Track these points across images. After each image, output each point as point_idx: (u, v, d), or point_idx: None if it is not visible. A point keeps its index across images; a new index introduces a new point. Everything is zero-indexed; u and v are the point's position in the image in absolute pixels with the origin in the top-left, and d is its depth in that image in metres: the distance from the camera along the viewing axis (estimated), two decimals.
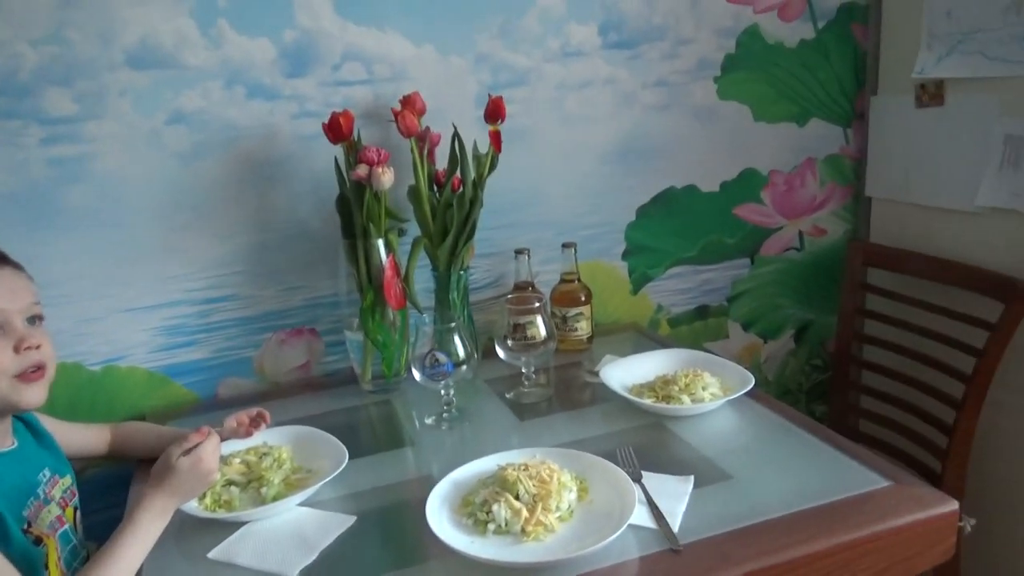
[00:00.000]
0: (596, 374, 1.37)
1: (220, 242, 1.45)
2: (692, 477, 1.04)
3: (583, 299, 1.54)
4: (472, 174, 1.41)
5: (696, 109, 1.72)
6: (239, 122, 1.42)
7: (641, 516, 0.96)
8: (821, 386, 1.97)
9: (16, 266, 1.01)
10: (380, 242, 1.36)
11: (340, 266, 1.41)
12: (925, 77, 1.61)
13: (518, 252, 1.52)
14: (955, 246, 1.62)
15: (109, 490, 1.19)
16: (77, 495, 1.10)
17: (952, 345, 1.53)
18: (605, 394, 1.32)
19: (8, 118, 1.30)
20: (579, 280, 1.55)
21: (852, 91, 1.81)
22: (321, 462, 1.13)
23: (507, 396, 1.37)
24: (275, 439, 1.18)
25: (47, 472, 1.05)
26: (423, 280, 1.50)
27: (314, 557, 0.93)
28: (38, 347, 0.97)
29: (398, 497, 1.08)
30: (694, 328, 1.83)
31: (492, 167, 1.44)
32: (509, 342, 1.33)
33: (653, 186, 1.72)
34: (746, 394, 1.25)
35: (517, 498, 0.95)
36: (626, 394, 1.28)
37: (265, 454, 1.12)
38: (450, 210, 1.41)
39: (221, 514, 1.02)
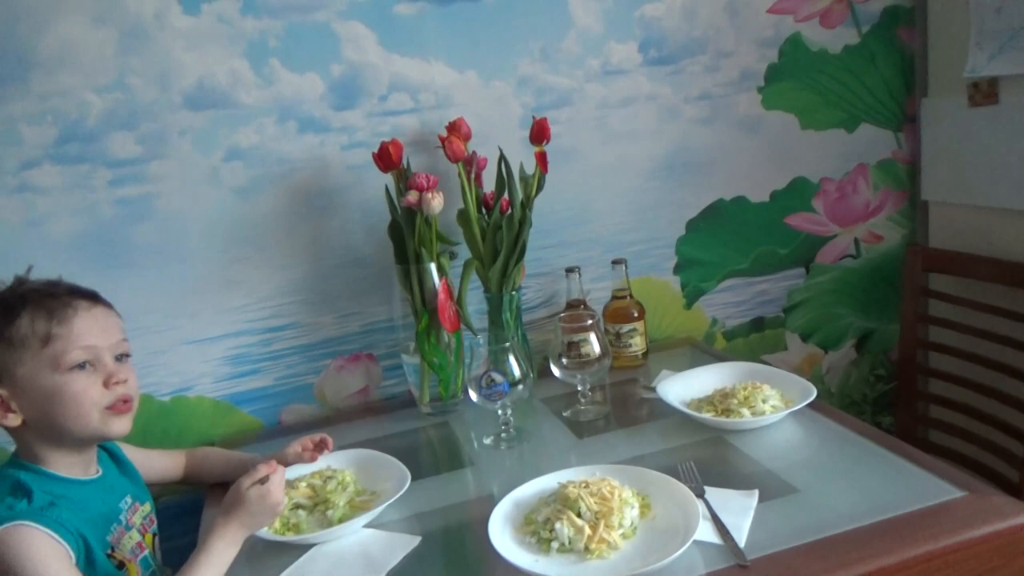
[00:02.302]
0: (653, 390, 1.37)
1: (278, 272, 1.49)
2: (756, 491, 1.03)
3: (636, 315, 1.54)
4: (520, 195, 1.43)
5: (741, 120, 1.71)
6: (292, 155, 1.47)
7: (706, 532, 0.95)
8: (886, 396, 1.92)
9: (107, 305, 1.06)
10: (432, 266, 1.39)
11: (394, 291, 1.43)
12: (977, 76, 1.58)
13: (568, 271, 1.53)
14: (1017, 246, 1.57)
15: (182, 517, 1.23)
16: (156, 522, 1.14)
17: (1022, 349, 1.48)
18: (663, 410, 1.31)
19: (79, 162, 1.37)
20: (631, 296, 1.55)
21: (901, 94, 1.78)
22: (384, 484, 1.15)
23: (564, 414, 1.37)
24: (339, 463, 1.20)
25: (128, 499, 1.09)
26: (476, 302, 1.51)
27: None
28: (125, 381, 1.03)
29: (460, 517, 1.09)
30: (750, 341, 1.80)
31: (539, 188, 1.46)
32: (564, 360, 1.33)
33: (701, 199, 1.71)
34: (808, 406, 1.23)
35: (579, 516, 0.95)
36: (684, 409, 1.27)
37: (330, 477, 1.14)
38: (499, 232, 1.42)
39: (289, 537, 1.04)
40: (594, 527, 0.93)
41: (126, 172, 1.39)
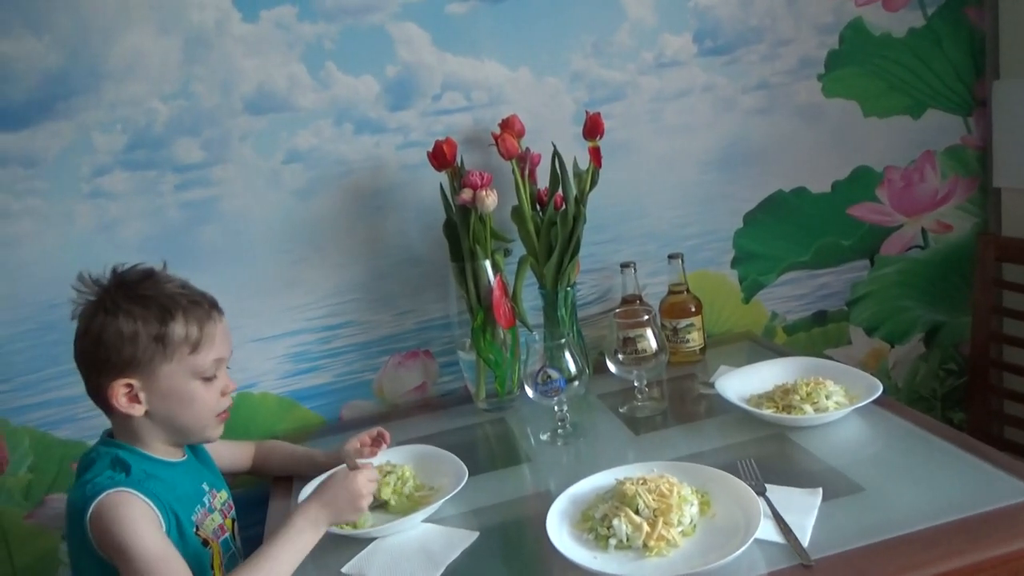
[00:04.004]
0: (711, 386, 1.34)
1: (336, 271, 1.52)
2: (820, 490, 1.00)
3: (693, 310, 1.52)
4: (574, 191, 1.42)
5: (800, 109, 1.67)
6: (349, 156, 1.50)
7: (767, 530, 0.93)
8: (957, 392, 1.85)
9: (222, 313, 1.10)
10: (487, 263, 1.39)
11: (450, 289, 1.45)
12: None
13: (624, 266, 1.52)
14: None
15: (249, 509, 1.26)
16: (234, 508, 1.19)
17: None
18: (722, 406, 1.29)
19: (147, 168, 1.42)
20: (688, 291, 1.53)
21: (970, 78, 1.71)
22: (442, 479, 1.16)
23: (621, 411, 1.36)
24: (397, 458, 1.22)
25: (207, 485, 1.14)
26: (531, 298, 1.52)
27: (440, 572, 0.96)
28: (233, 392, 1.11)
29: (518, 513, 1.10)
30: (812, 335, 1.76)
31: (593, 183, 1.45)
32: (620, 356, 1.32)
33: (759, 191, 1.68)
34: (874, 402, 1.19)
35: (637, 512, 0.94)
36: (744, 405, 1.24)
37: (389, 472, 1.16)
38: (554, 228, 1.42)
39: (349, 531, 1.06)
40: (652, 524, 0.92)
41: (191, 176, 1.44)
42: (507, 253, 1.47)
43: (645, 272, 1.59)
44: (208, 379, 1.06)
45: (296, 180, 1.48)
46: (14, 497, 1.44)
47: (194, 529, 1.06)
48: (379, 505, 1.11)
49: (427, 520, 1.08)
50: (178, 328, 1.02)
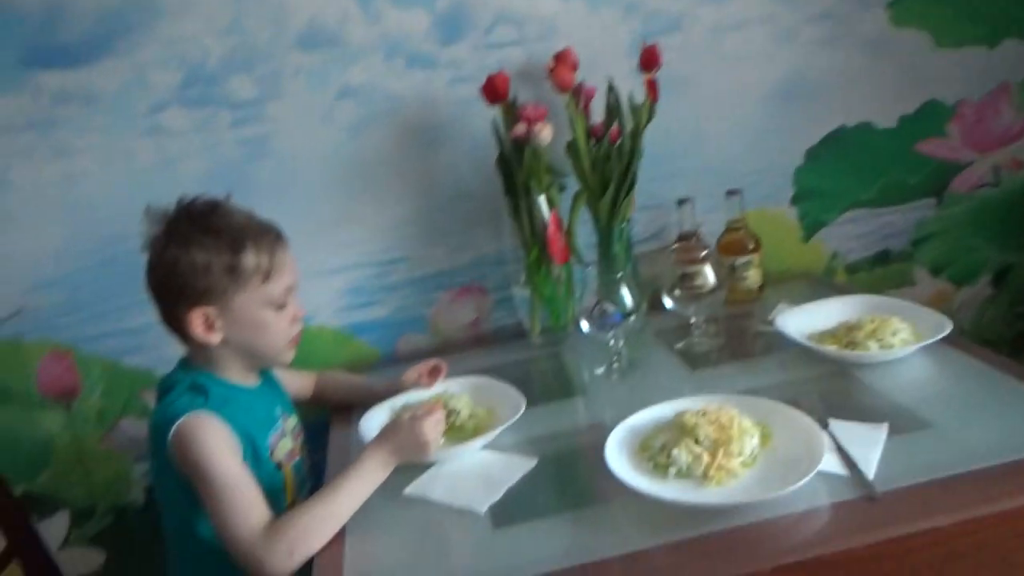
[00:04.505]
0: (770, 323, 1.32)
1: (390, 207, 1.52)
2: (886, 424, 0.98)
3: (751, 247, 1.49)
4: (629, 125, 1.39)
5: (866, 41, 1.59)
6: (400, 92, 1.48)
7: (831, 463, 0.91)
8: None
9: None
10: (542, 199, 1.38)
11: (504, 224, 1.44)
12: None
13: (680, 202, 1.48)
14: None
15: (310, 438, 1.30)
16: (303, 435, 1.22)
17: None
18: (781, 343, 1.27)
19: (202, 105, 1.43)
20: (746, 228, 1.50)
21: None
22: (499, 410, 1.17)
23: (676, 347, 1.35)
24: (455, 388, 1.23)
25: (279, 409, 1.17)
26: (585, 235, 1.50)
27: (500, 495, 0.97)
28: (303, 318, 1.14)
29: (574, 443, 1.10)
30: (875, 275, 1.71)
31: (650, 117, 1.42)
32: (676, 292, 1.30)
33: (822, 126, 1.62)
34: (942, 340, 1.15)
35: (697, 443, 0.94)
36: (806, 342, 1.22)
37: (446, 401, 1.17)
38: (609, 163, 1.40)
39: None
40: (713, 454, 0.91)
41: (245, 113, 1.44)
42: (562, 188, 1.45)
43: (702, 209, 1.54)
44: (280, 307, 1.08)
45: (348, 116, 1.47)
46: (89, 421, 1.50)
47: (269, 453, 1.10)
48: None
49: (486, 447, 1.09)
50: (249, 258, 1.04)
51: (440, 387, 1.23)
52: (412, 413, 1.05)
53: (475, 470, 1.04)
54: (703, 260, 1.29)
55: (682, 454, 0.92)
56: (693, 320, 1.33)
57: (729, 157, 1.60)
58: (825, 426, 0.99)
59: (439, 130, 1.51)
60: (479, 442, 1.08)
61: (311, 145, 1.47)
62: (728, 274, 1.48)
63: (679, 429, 0.96)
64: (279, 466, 1.12)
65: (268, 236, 1.08)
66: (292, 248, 1.15)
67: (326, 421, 1.32)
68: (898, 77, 1.61)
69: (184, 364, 1.12)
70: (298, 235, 1.44)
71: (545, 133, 1.33)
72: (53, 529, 1.51)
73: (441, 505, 0.98)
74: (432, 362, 1.27)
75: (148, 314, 1.12)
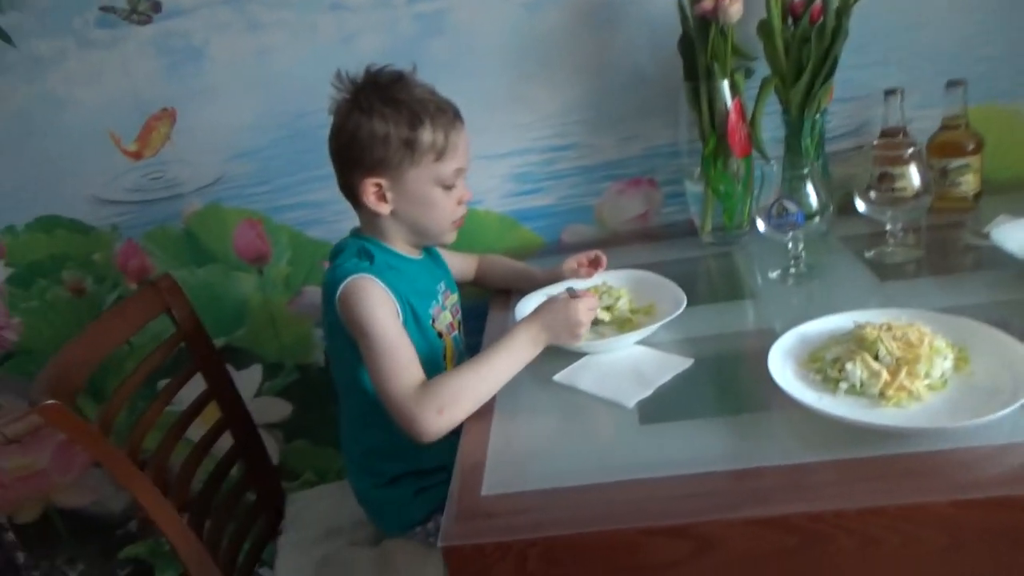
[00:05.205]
0: (986, 236, 1.15)
1: (561, 90, 1.46)
2: None
3: (971, 149, 1.29)
4: (836, 1, 1.22)
5: None
6: None
7: None
8: None
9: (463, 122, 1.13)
10: (725, 83, 1.26)
11: (680, 113, 1.34)
12: None
13: (888, 93, 1.30)
14: None
15: (468, 320, 1.33)
16: (460, 312, 1.25)
17: None
18: (996, 260, 1.10)
19: None
20: (967, 126, 1.29)
21: None
22: (659, 305, 1.13)
23: (866, 255, 1.22)
24: (614, 281, 1.20)
25: (442, 285, 1.21)
26: (771, 128, 1.37)
27: (650, 392, 0.94)
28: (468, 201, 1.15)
29: (736, 347, 1.04)
30: None
31: None
32: (872, 194, 1.16)
33: None
34: None
35: (876, 359, 0.85)
36: None
37: (604, 293, 1.15)
38: (806, 45, 1.24)
39: (564, 344, 1.07)
40: (894, 373, 0.82)
41: None
42: (749, 73, 1.32)
43: (914, 102, 1.36)
44: (448, 187, 1.09)
45: None
46: (277, 286, 1.63)
47: (430, 321, 1.14)
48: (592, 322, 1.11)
49: (641, 343, 1.06)
50: (426, 135, 1.05)
51: (599, 278, 1.20)
52: (568, 296, 1.03)
53: (627, 364, 1.01)
54: (908, 160, 1.14)
55: (857, 369, 0.84)
56: (889, 227, 1.19)
57: (955, 41, 1.37)
58: None
59: (618, 7, 1.40)
60: (634, 336, 1.05)
61: (487, 21, 1.43)
62: (938, 178, 1.30)
63: (857, 342, 0.87)
64: (440, 335, 1.16)
65: (446, 115, 1.08)
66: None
67: (486, 305, 1.34)
68: None
69: (355, 232, 1.17)
70: (469, 115, 1.41)
71: (735, 7, 1.20)
72: (248, 380, 1.69)
73: (588, 395, 0.97)
74: (593, 252, 1.24)
75: (329, 189, 1.16)
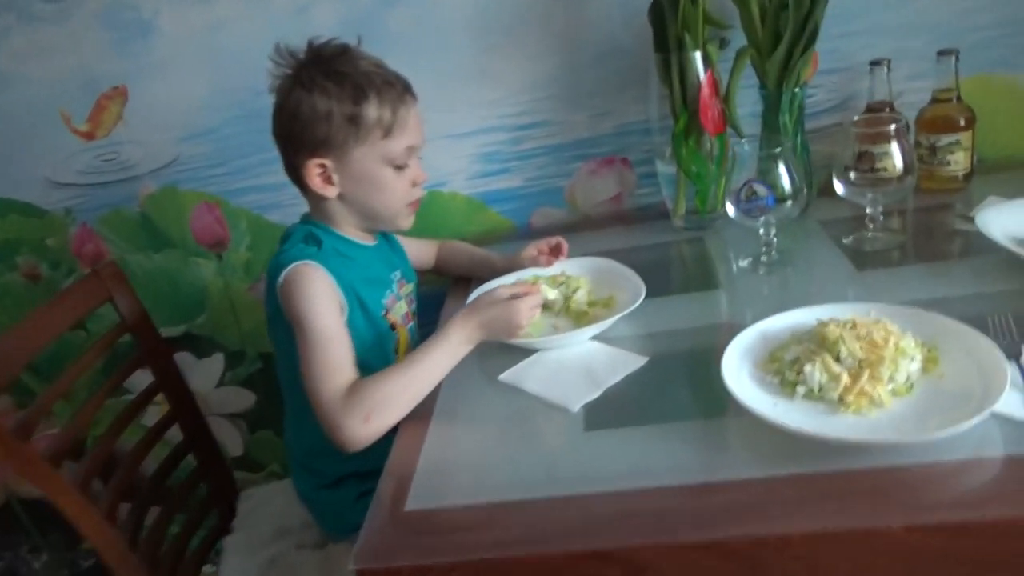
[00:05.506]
0: (971, 220, 1.07)
1: (531, 63, 1.37)
2: None
3: (962, 124, 1.20)
4: None
5: None
6: None
7: (1013, 404, 0.72)
8: None
9: (416, 98, 1.05)
10: (697, 55, 1.17)
11: (651, 87, 1.25)
12: None
13: (874, 64, 1.21)
14: None
15: (425, 309, 1.27)
16: (415, 303, 1.19)
17: None
18: (981, 246, 1.02)
19: None
20: (959, 99, 1.20)
21: None
22: (619, 297, 1.06)
23: (844, 241, 1.14)
24: (574, 270, 1.13)
25: (398, 274, 1.15)
26: (749, 103, 1.28)
27: (598, 394, 0.88)
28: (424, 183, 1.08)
29: (698, 343, 0.97)
30: None
31: None
32: (852, 175, 1.08)
33: None
34: None
35: (837, 360, 0.78)
36: (1013, 247, 0.97)
37: (562, 284, 1.08)
38: (784, 12, 1.15)
39: (515, 340, 1.00)
40: (855, 376, 0.75)
41: None
42: (723, 44, 1.24)
43: (903, 74, 1.27)
44: (399, 167, 1.03)
45: None
46: (237, 272, 1.57)
47: (382, 312, 1.08)
48: (546, 308, 1.05)
49: (596, 338, 0.99)
50: (371, 110, 0.99)
51: (558, 267, 1.13)
52: (509, 291, 0.96)
53: (578, 362, 0.95)
54: (892, 136, 1.05)
55: (816, 372, 0.77)
56: (869, 210, 1.11)
57: (949, 6, 1.27)
58: (1016, 356, 0.78)
59: None
60: (588, 332, 0.98)
61: None
62: (927, 155, 1.22)
63: (818, 342, 0.80)
64: (393, 326, 1.10)
65: (394, 89, 1.02)
66: (423, 106, 1.07)
67: (443, 293, 1.27)
68: None
69: (305, 218, 1.11)
70: (431, 92, 1.34)
71: None
72: (210, 369, 1.64)
73: (534, 397, 0.90)
74: (555, 239, 1.17)
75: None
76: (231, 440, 1.69)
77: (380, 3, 1.36)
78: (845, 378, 0.75)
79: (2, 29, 1.43)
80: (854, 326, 0.79)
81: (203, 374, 1.62)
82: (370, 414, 0.86)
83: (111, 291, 1.23)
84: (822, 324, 0.82)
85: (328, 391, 0.89)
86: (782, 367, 0.81)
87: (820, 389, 0.76)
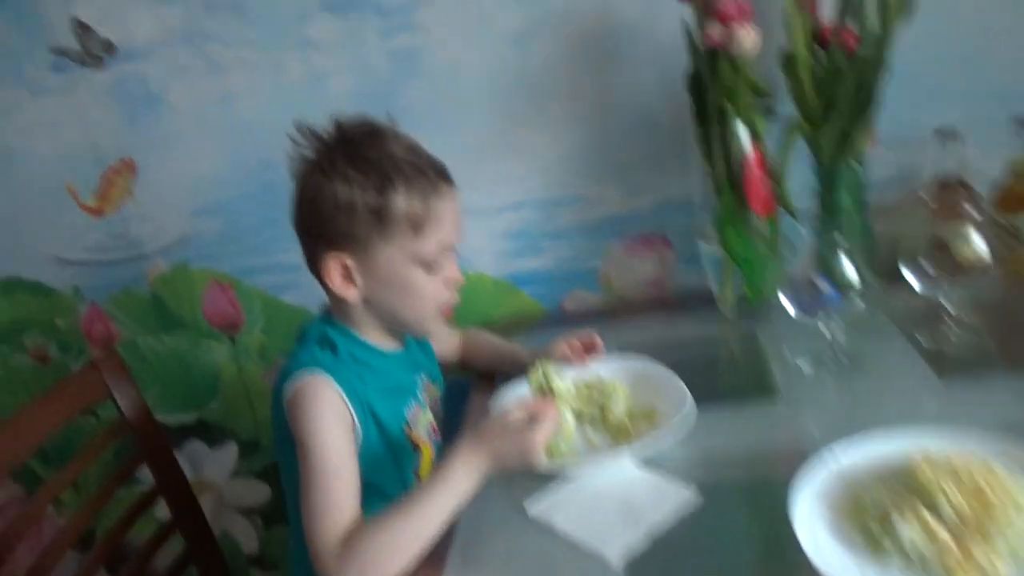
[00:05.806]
0: None
1: (559, 137, 1.29)
2: None
3: None
4: (874, 25, 1.03)
5: None
6: None
7: None
8: None
9: (453, 183, 0.94)
10: (741, 126, 1.06)
11: (691, 161, 1.14)
12: None
13: (942, 134, 1.09)
14: None
15: (448, 402, 1.16)
16: (441, 407, 1.08)
17: None
18: None
19: (347, 10, 1.26)
20: None
21: None
22: (660, 406, 0.93)
23: (920, 339, 1.00)
24: (609, 373, 1.00)
25: (423, 376, 1.04)
26: (801, 178, 1.16)
27: (640, 536, 0.75)
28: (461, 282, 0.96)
29: (758, 471, 0.83)
30: None
31: (903, 11, 1.03)
32: (925, 264, 0.96)
33: None
34: None
35: (935, 511, 0.64)
36: None
37: (596, 390, 0.96)
38: (840, 79, 1.04)
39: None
40: (960, 539, 0.62)
41: (396, 21, 1.26)
42: (770, 113, 1.12)
43: (975, 145, 1.14)
44: (431, 266, 0.91)
45: (511, 21, 1.24)
46: (251, 356, 1.48)
47: (403, 426, 0.96)
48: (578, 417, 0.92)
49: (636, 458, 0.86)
50: (399, 201, 0.87)
51: (593, 369, 1.01)
52: (522, 412, 0.83)
53: (617, 492, 0.82)
54: (969, 218, 0.93)
55: (907, 529, 0.63)
56: (947, 304, 0.98)
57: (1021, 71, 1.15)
58: None
59: (618, 38, 1.23)
60: (628, 455, 0.85)
61: (468, 59, 1.27)
62: (1008, 238, 1.08)
63: (910, 488, 0.67)
64: (416, 446, 0.98)
65: (425, 177, 0.89)
66: None
67: (467, 386, 1.16)
68: None
69: (323, 313, 1.00)
70: (455, 167, 1.24)
71: (749, 37, 1.02)
72: (223, 458, 1.54)
73: (567, 538, 0.77)
74: (587, 334, 1.05)
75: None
76: (246, 537, 1.59)
77: (399, 73, 1.29)
78: (951, 543, 0.61)
79: (11, 104, 1.38)
80: (955, 471, 0.66)
81: (216, 464, 1.53)
82: (366, 567, 0.75)
83: (110, 386, 1.15)
84: (911, 464, 0.69)
85: (324, 532, 0.79)
86: (867, 518, 0.67)
87: (918, 555, 0.62)
